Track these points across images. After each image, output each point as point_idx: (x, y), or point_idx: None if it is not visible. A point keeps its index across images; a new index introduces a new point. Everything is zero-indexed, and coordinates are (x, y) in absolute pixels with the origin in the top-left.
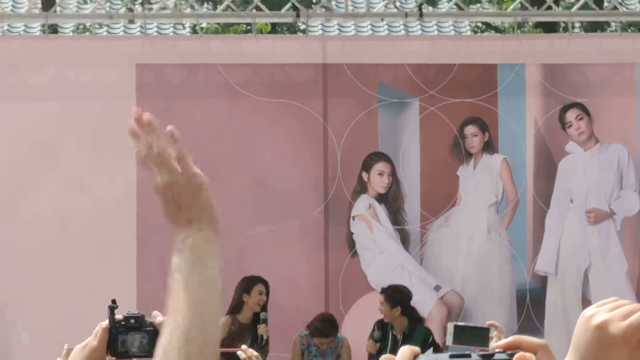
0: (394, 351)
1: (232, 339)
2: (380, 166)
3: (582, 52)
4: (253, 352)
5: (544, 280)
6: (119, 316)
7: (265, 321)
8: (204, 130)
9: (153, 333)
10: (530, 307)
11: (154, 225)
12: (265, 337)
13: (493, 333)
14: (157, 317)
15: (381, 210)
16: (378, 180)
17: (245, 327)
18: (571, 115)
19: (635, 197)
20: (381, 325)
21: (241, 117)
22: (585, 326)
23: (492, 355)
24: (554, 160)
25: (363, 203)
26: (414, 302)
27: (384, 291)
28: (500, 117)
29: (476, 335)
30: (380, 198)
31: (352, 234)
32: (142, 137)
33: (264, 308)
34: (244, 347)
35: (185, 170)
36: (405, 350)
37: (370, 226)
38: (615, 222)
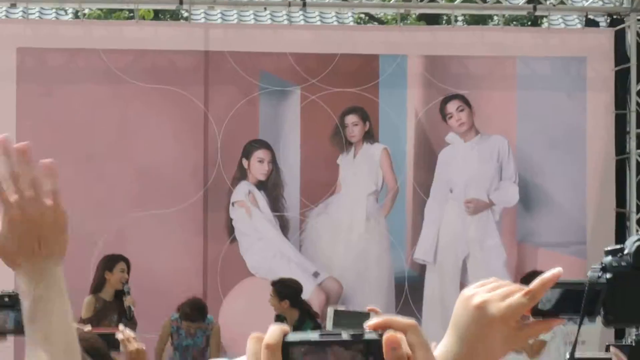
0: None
1: (97, 317)
2: (260, 153)
3: (464, 44)
4: (130, 334)
5: (422, 268)
6: None
7: (129, 293)
8: (85, 115)
9: None
10: (408, 295)
11: None
12: (132, 308)
13: (373, 318)
14: None
15: (261, 197)
16: (258, 168)
17: (109, 305)
18: (452, 106)
19: (514, 188)
20: (278, 318)
21: (122, 103)
22: (464, 306)
23: (362, 334)
24: (434, 151)
25: (243, 189)
26: None
27: (274, 284)
28: (381, 107)
29: (356, 320)
30: (260, 185)
31: (231, 220)
32: (10, 165)
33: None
34: (121, 327)
35: (56, 207)
36: (274, 329)
37: (249, 212)
38: (494, 212)
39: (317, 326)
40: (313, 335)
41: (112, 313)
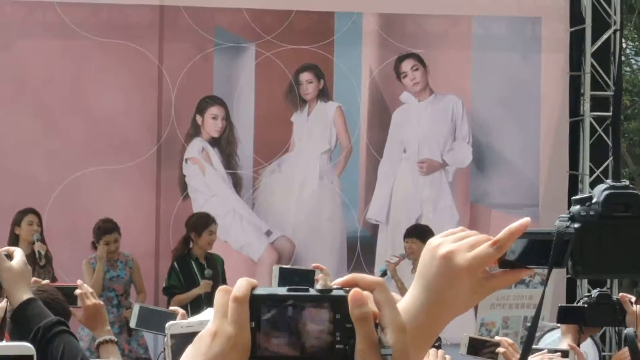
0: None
1: None
2: (214, 110)
3: (420, 3)
4: (88, 289)
5: (375, 228)
6: None
7: (38, 240)
8: (41, 69)
9: None
10: (360, 254)
11: None
12: (42, 253)
13: (318, 275)
14: None
15: (214, 153)
16: (212, 124)
17: (27, 258)
18: (406, 65)
19: (467, 148)
20: None
21: (77, 58)
22: (431, 256)
23: (330, 290)
24: (388, 110)
25: (196, 146)
26: (245, 245)
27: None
28: (336, 65)
29: (301, 277)
30: (214, 142)
31: (184, 176)
32: None
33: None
34: (79, 282)
35: None
36: (242, 282)
37: (202, 169)
38: (447, 173)
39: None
40: (281, 290)
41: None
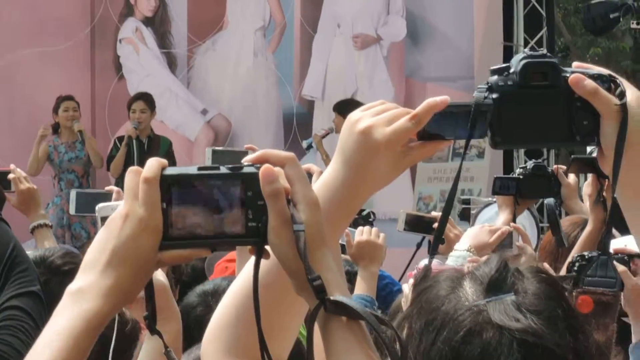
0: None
1: None
2: None
3: None
4: (21, 173)
5: (310, 104)
6: None
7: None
8: None
9: None
10: (297, 131)
11: None
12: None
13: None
14: None
15: (148, 33)
16: (145, 3)
17: None
18: None
19: (402, 22)
20: None
21: None
22: (350, 131)
23: (241, 168)
24: None
25: (130, 26)
26: (181, 125)
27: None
28: None
29: (234, 158)
30: (147, 21)
31: (118, 57)
32: None
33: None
34: (12, 166)
35: None
36: (152, 162)
37: (137, 49)
38: (382, 47)
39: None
40: (192, 169)
41: None
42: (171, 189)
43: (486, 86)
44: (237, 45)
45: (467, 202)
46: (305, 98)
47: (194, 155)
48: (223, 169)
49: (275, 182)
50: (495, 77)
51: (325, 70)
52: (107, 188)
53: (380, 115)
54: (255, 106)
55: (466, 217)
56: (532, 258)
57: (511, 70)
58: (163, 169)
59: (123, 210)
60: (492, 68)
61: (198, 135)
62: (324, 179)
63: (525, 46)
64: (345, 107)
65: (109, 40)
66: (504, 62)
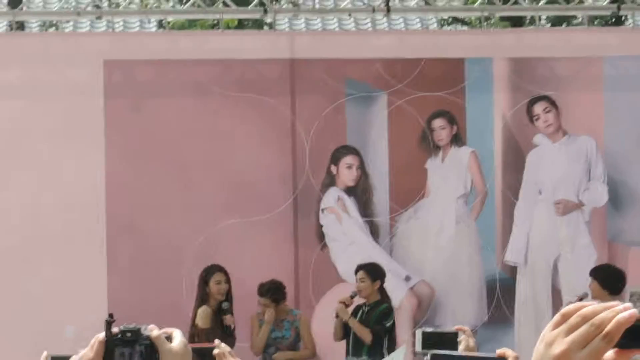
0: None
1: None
2: (349, 159)
3: (550, 46)
4: (226, 347)
5: (513, 270)
6: (115, 329)
7: (229, 311)
8: (173, 127)
9: (149, 347)
10: (500, 297)
11: (123, 223)
12: (232, 327)
13: (461, 337)
14: (152, 330)
15: (350, 202)
16: (347, 173)
17: (212, 318)
18: (539, 107)
19: (603, 188)
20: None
21: (210, 114)
22: (543, 354)
23: None
24: (522, 153)
25: (332, 195)
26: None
27: (363, 267)
28: (468, 110)
29: (444, 340)
30: (349, 191)
31: (321, 226)
32: None
33: (227, 298)
34: (217, 341)
35: None
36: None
37: (339, 218)
38: (583, 212)
39: (390, 308)
40: None
41: (217, 327)
42: None
43: None
44: (439, 213)
45: None
46: (508, 264)
47: (398, 322)
48: None
49: None
50: None
51: (528, 236)
52: None
53: (574, 336)
54: (459, 272)
55: None
56: None
57: None
58: None
59: None
60: None
61: (402, 302)
62: None
63: None
64: (600, 273)
65: (312, 209)
66: None
